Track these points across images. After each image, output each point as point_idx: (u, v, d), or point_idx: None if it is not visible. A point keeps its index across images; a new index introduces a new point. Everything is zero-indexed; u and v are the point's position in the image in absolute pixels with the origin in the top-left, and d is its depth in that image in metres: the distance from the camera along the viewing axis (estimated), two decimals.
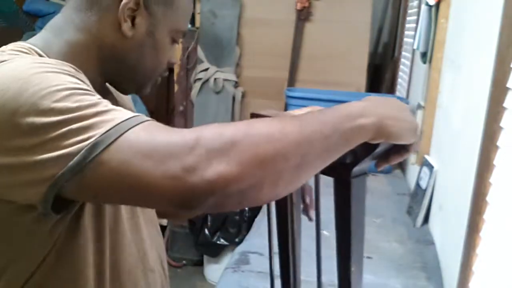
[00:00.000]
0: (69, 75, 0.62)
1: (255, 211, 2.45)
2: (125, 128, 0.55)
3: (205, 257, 3.08)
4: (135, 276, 0.80)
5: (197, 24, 3.20)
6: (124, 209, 0.78)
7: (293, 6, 3.14)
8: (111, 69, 0.78)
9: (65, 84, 0.59)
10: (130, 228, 0.79)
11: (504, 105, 1.04)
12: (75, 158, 0.53)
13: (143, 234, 0.83)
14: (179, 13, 0.80)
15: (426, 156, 1.85)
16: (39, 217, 0.62)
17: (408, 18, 3.04)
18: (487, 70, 1.17)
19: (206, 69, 3.15)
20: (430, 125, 1.92)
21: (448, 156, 1.61)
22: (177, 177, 0.51)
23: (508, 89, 1.03)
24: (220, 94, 3.19)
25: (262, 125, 0.55)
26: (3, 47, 0.71)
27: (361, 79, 3.21)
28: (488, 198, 1.10)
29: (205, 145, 0.52)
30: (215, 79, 3.14)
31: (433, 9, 1.88)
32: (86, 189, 0.55)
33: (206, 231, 2.92)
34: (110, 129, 0.54)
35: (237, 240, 2.85)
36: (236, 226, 2.90)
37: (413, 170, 2.13)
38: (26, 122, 0.55)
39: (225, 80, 3.15)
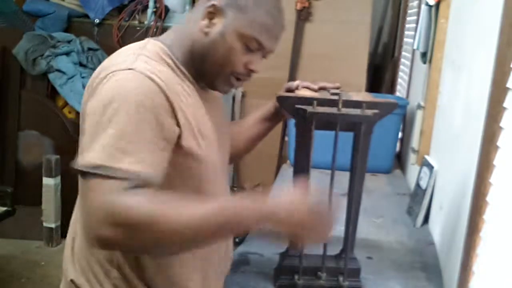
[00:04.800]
0: (153, 120, 0.87)
1: None
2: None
3: None
4: None
5: None
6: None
7: (293, 6, 3.14)
8: (194, 61, 1.00)
9: (126, 135, 0.84)
10: None
11: (504, 105, 1.04)
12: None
13: None
14: (252, 21, 0.96)
15: (426, 156, 1.85)
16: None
17: (408, 18, 3.05)
18: (487, 70, 1.17)
19: None
20: (430, 125, 1.92)
21: (448, 156, 1.61)
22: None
23: (508, 89, 1.03)
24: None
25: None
26: (143, 44, 0.99)
27: (361, 79, 3.21)
28: (488, 198, 1.10)
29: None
30: None
31: (433, 9, 1.88)
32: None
33: None
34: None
35: (237, 240, 2.84)
36: None
37: (413, 170, 2.13)
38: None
39: None
